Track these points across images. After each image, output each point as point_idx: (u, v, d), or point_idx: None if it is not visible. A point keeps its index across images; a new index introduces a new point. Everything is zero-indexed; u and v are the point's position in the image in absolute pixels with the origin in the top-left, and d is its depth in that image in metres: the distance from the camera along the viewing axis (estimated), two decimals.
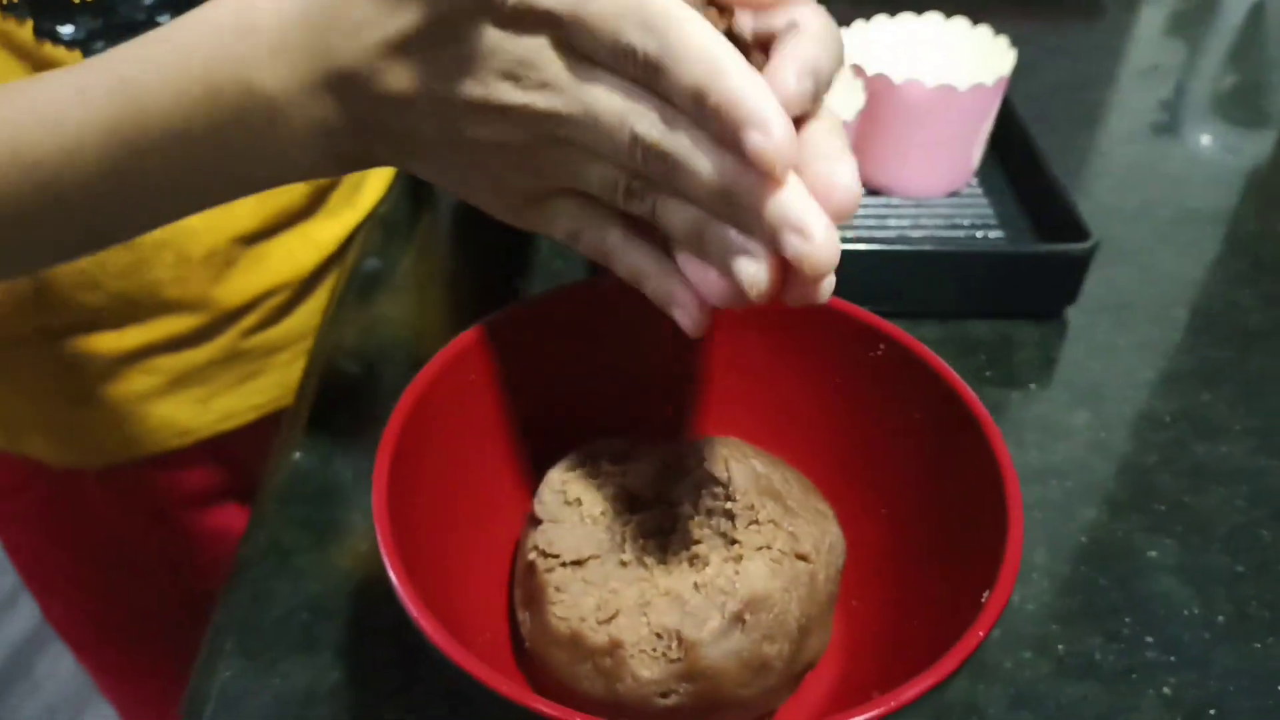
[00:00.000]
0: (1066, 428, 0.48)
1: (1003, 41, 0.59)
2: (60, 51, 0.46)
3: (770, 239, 0.26)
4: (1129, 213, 0.63)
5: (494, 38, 0.26)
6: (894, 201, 0.61)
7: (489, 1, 0.26)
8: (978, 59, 0.60)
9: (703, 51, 0.24)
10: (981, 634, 0.27)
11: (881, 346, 0.38)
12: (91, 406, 0.56)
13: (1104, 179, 0.68)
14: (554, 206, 0.31)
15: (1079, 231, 0.52)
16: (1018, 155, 0.61)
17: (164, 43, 0.30)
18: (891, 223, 0.59)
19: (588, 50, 0.26)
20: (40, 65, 0.45)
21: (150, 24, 0.47)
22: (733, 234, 0.27)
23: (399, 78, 0.27)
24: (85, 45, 0.46)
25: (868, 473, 0.39)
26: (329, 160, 0.31)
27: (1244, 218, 0.63)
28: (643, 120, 0.26)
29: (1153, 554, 0.43)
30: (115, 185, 0.31)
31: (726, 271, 0.27)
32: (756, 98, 0.24)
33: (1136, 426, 0.48)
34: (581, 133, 0.27)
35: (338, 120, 0.29)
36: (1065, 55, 0.83)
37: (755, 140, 0.24)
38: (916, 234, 0.58)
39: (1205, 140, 0.75)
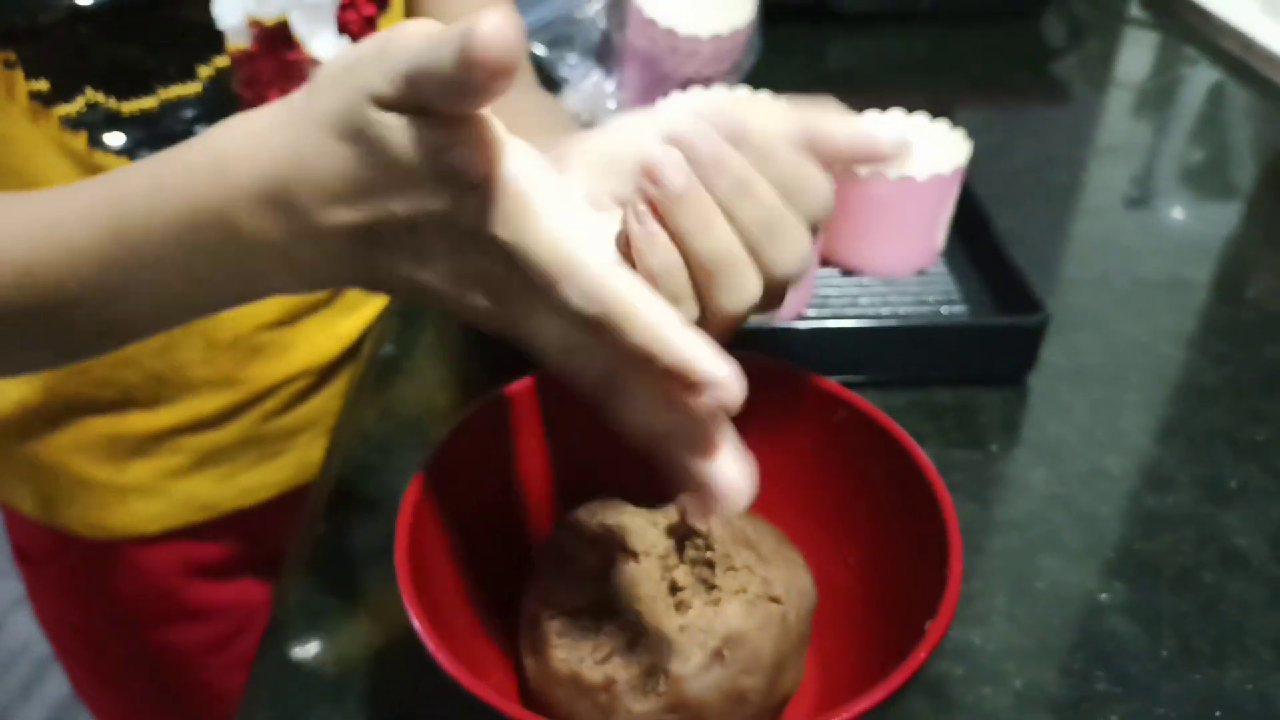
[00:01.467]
0: (1025, 484, 0.52)
1: (959, 134, 0.65)
2: (110, 158, 0.51)
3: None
4: (1089, 284, 0.68)
5: (444, 247, 0.30)
6: (865, 281, 0.66)
7: (444, 216, 0.29)
8: (938, 150, 0.66)
9: (645, 321, 0.28)
10: (923, 655, 0.31)
11: (842, 412, 0.42)
12: (123, 481, 0.61)
13: (1066, 252, 0.73)
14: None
15: (1034, 305, 0.57)
16: (979, 235, 0.66)
17: (153, 176, 0.33)
18: (863, 300, 0.64)
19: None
20: (92, 170, 0.51)
21: (189, 134, 0.53)
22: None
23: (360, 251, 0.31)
24: (131, 153, 0.52)
25: (835, 524, 0.43)
26: (319, 282, 0.34)
27: (1198, 284, 0.68)
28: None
29: (1104, 596, 0.47)
30: (113, 297, 0.35)
31: None
32: (706, 360, 0.28)
33: (1090, 481, 0.53)
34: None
35: (320, 258, 0.32)
36: (1033, 138, 0.90)
37: (715, 397, 0.28)
38: (886, 310, 0.63)
39: (1175, 214, 0.80)
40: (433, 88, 0.27)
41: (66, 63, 0.48)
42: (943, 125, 0.67)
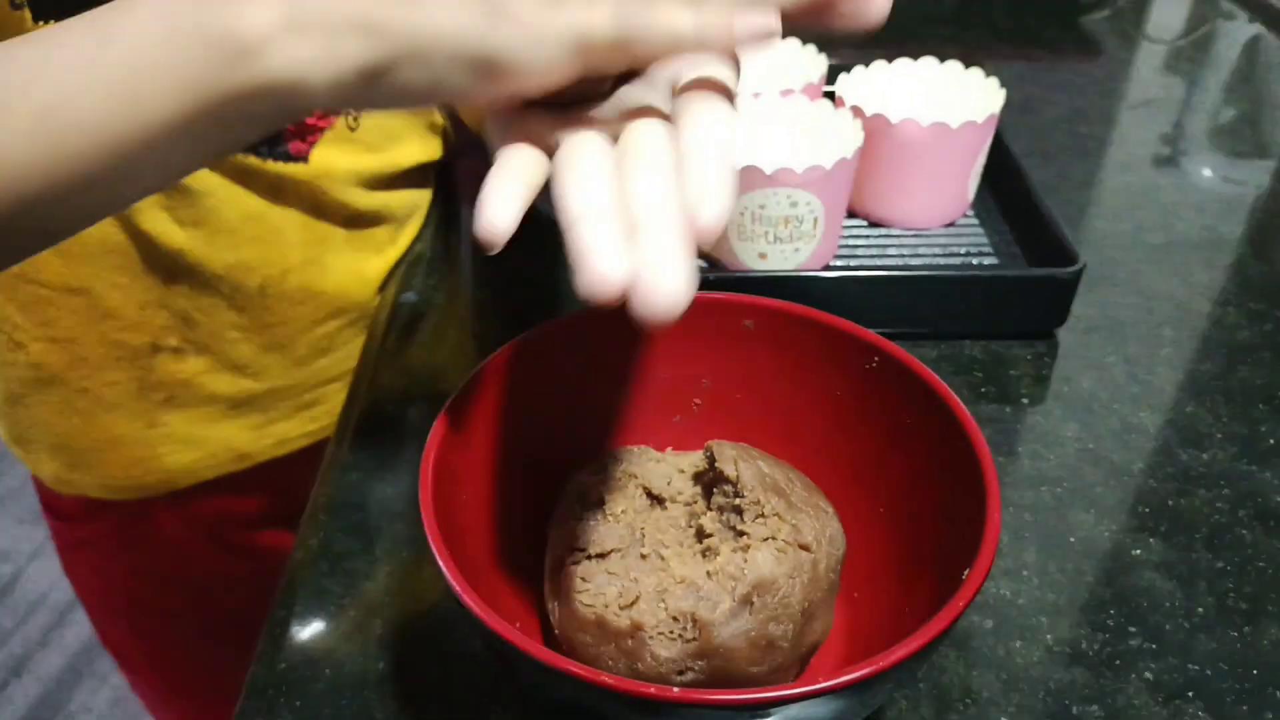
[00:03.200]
0: (1057, 438, 0.51)
1: (993, 82, 0.63)
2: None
3: None
4: (1122, 238, 0.67)
5: None
6: (894, 232, 0.64)
7: None
8: (971, 99, 0.64)
9: None
10: (961, 604, 0.31)
11: (876, 359, 0.41)
12: (159, 429, 0.60)
13: (1098, 207, 0.71)
14: None
15: (1067, 257, 0.56)
16: (1010, 187, 0.65)
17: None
18: (892, 252, 0.63)
19: None
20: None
21: None
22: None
23: None
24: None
25: (867, 475, 0.42)
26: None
27: (1233, 241, 0.67)
28: None
29: (1137, 552, 0.46)
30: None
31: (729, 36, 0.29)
32: None
33: (1124, 437, 0.52)
34: None
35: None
36: (1064, 92, 0.87)
37: None
38: (915, 261, 0.62)
39: (1205, 172, 0.79)
40: None
41: (79, 6, 0.46)
42: (976, 74, 0.65)
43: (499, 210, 0.28)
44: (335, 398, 0.66)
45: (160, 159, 0.30)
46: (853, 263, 0.62)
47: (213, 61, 0.28)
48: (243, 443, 0.63)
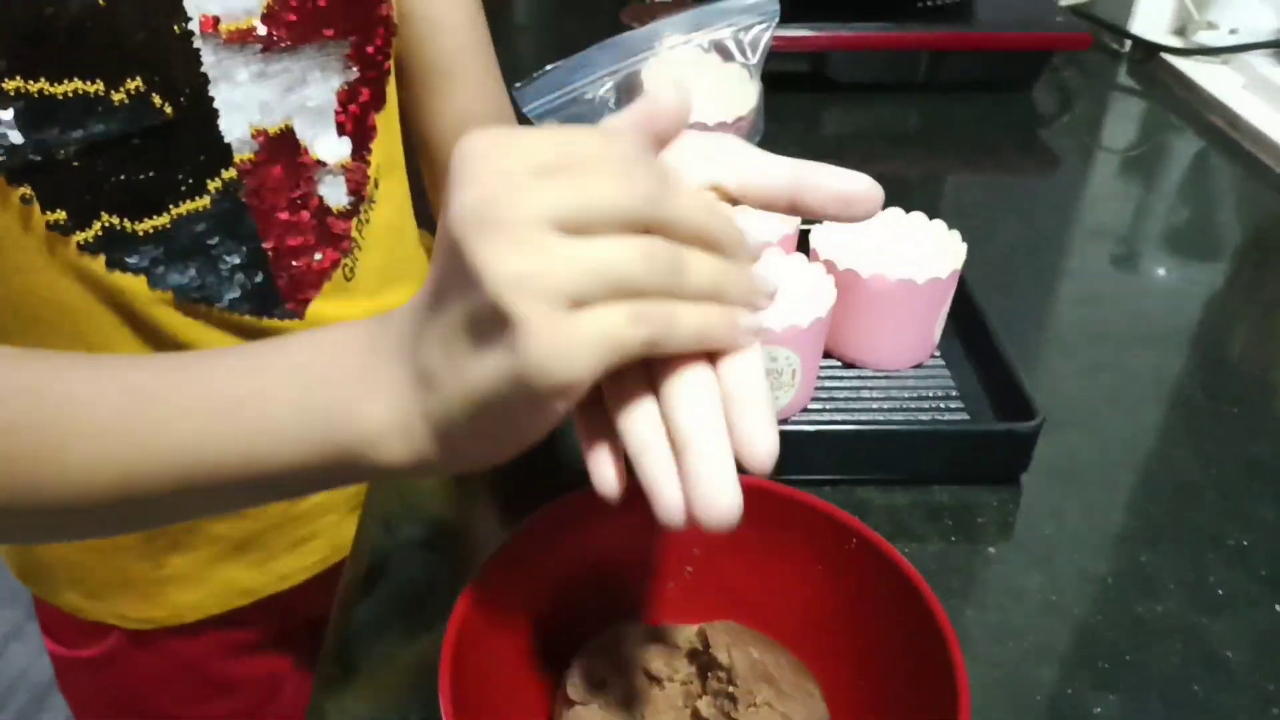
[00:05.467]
0: (1022, 590, 0.55)
1: (955, 236, 0.68)
2: (127, 278, 0.53)
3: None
4: (1078, 375, 0.71)
5: None
6: (866, 374, 0.68)
7: None
8: (935, 250, 0.68)
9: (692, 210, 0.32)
10: None
11: (854, 540, 0.45)
12: (162, 574, 0.63)
13: (1055, 342, 0.76)
14: None
15: (1028, 410, 0.60)
16: (973, 329, 0.69)
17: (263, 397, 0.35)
18: (864, 395, 0.67)
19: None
20: (108, 291, 0.52)
21: (201, 246, 0.54)
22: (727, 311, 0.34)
23: None
24: (148, 271, 0.53)
25: (847, 645, 0.45)
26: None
27: (1182, 376, 0.71)
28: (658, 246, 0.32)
29: (1097, 709, 0.49)
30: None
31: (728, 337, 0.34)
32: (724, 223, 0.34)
33: (1083, 588, 0.55)
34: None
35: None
36: (1021, 217, 0.93)
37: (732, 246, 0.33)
38: (887, 405, 0.66)
39: (1162, 286, 0.84)
40: None
41: (83, 192, 0.49)
42: (939, 226, 0.69)
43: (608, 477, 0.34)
44: (334, 528, 0.68)
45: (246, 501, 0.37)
46: (829, 406, 0.66)
47: (328, 447, 0.33)
48: (246, 580, 0.66)
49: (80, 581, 0.63)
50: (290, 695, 0.75)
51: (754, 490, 0.47)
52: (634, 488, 0.42)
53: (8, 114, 0.45)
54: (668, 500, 0.31)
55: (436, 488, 0.62)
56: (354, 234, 0.61)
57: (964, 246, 0.67)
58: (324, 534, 0.68)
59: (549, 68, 0.87)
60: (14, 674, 1.70)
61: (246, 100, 0.52)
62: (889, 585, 0.43)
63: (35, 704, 1.66)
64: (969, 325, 0.70)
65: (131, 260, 0.52)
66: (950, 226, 0.69)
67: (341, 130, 0.58)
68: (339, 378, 0.34)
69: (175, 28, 0.48)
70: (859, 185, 0.36)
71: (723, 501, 0.31)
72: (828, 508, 0.46)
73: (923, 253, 0.69)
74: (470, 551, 0.59)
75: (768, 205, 0.36)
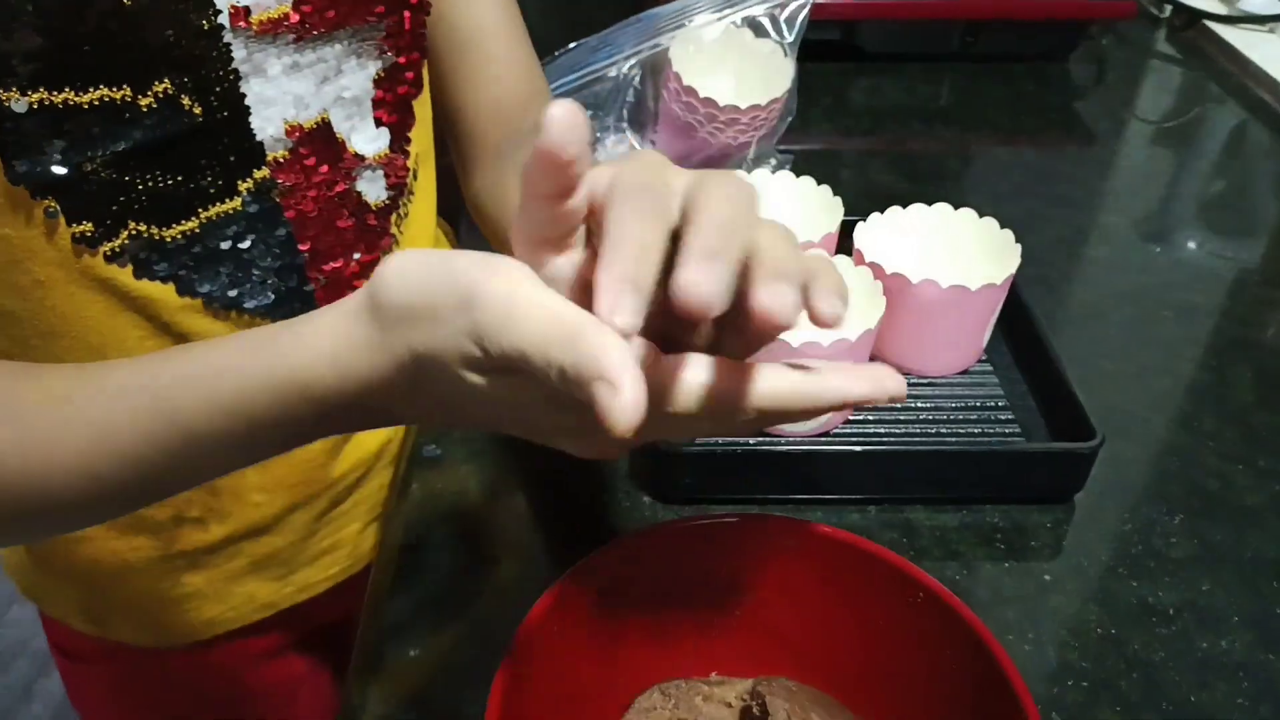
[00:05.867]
0: (1081, 623, 0.53)
1: (1008, 236, 0.64)
2: (155, 286, 0.50)
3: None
4: (1127, 381, 0.68)
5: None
6: (911, 380, 0.65)
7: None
8: (985, 251, 0.65)
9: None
10: None
11: (920, 595, 0.42)
12: (179, 593, 0.60)
13: (1103, 345, 0.72)
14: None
15: (1087, 429, 0.57)
16: (1024, 336, 0.66)
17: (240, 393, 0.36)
18: (911, 404, 0.64)
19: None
20: (136, 302, 0.50)
21: (233, 252, 0.51)
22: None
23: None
24: (176, 279, 0.50)
25: (909, 702, 0.43)
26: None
27: (1238, 384, 0.69)
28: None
29: None
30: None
31: None
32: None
33: (1143, 621, 0.53)
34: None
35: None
36: (1061, 204, 0.89)
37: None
38: (937, 416, 0.63)
39: (1210, 263, 0.81)
40: (540, 376, 0.29)
41: (110, 202, 0.46)
42: (991, 224, 0.66)
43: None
44: (355, 538, 0.66)
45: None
46: (873, 417, 0.63)
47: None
48: (266, 594, 0.64)
49: (88, 605, 0.61)
50: (308, 699, 0.74)
51: (815, 537, 0.44)
52: (682, 532, 0.40)
53: (32, 128, 0.42)
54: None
55: (461, 489, 0.60)
56: (393, 230, 0.57)
57: (1018, 248, 0.63)
58: (345, 545, 0.66)
59: (570, 46, 0.82)
60: (16, 642, 1.69)
61: (280, 95, 0.49)
62: (957, 643, 0.41)
63: (39, 670, 1.65)
64: (1019, 329, 0.67)
65: (160, 268, 0.49)
66: (984, 214, 0.66)
67: (379, 121, 0.54)
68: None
69: (204, 22, 0.44)
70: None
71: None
72: (894, 559, 0.43)
73: (974, 254, 0.65)
74: (498, 550, 0.58)
75: None
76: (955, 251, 0.67)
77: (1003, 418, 0.63)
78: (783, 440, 0.59)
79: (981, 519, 0.58)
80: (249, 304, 0.52)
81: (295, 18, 0.47)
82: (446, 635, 0.52)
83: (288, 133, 0.50)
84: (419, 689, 0.50)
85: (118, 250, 0.48)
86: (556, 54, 0.81)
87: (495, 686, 0.37)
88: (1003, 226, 0.65)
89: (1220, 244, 0.84)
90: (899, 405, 0.64)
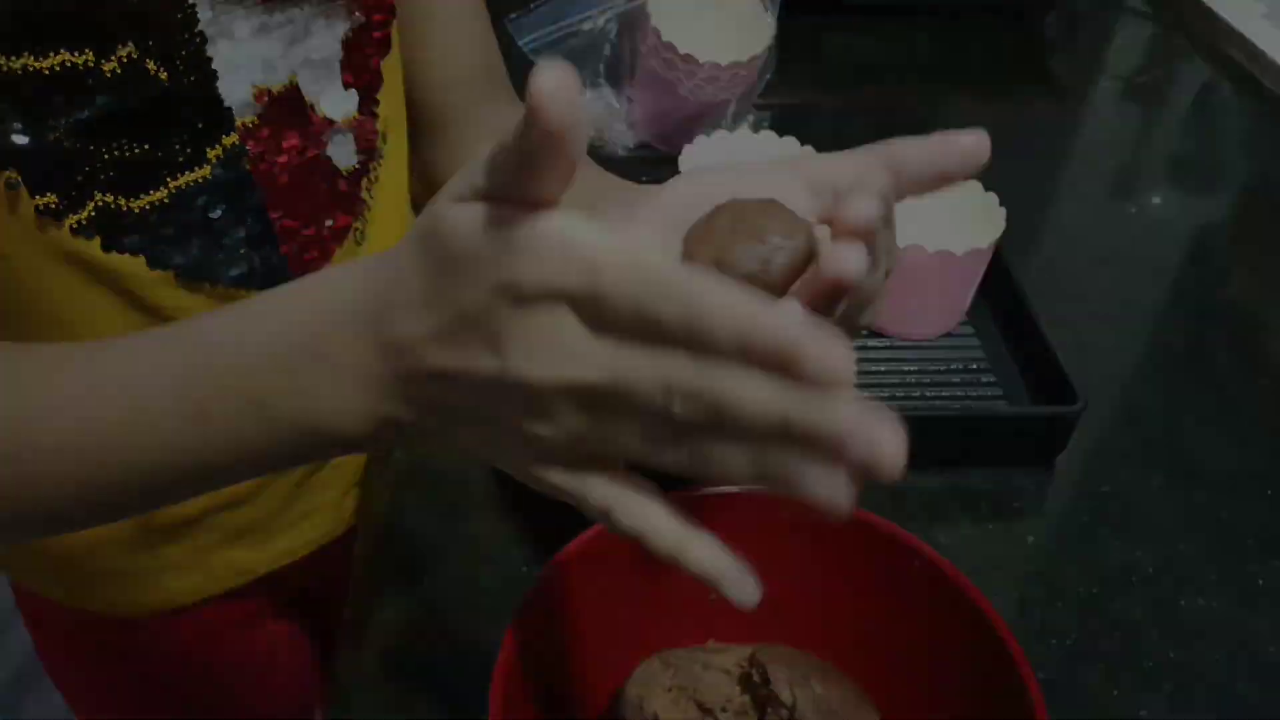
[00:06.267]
0: (1063, 585, 0.54)
1: (992, 199, 0.64)
2: (124, 259, 0.48)
3: (838, 452, 0.26)
4: (1107, 349, 0.69)
5: (516, 318, 0.28)
6: (896, 344, 0.66)
7: (506, 285, 0.27)
8: (969, 214, 0.65)
9: (729, 306, 0.25)
10: None
11: (917, 562, 0.43)
12: (156, 564, 0.59)
13: (1081, 305, 0.73)
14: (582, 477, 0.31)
15: (1068, 390, 0.58)
16: (1005, 298, 0.66)
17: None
18: (896, 367, 0.64)
19: (610, 322, 0.27)
20: (103, 274, 0.48)
21: (203, 222, 0.49)
22: (795, 460, 0.27)
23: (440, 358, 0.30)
24: (147, 252, 0.48)
25: (906, 665, 0.44)
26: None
27: (1215, 350, 0.70)
28: (681, 371, 0.26)
29: (1143, 713, 0.48)
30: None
31: (796, 494, 0.27)
32: (797, 328, 0.25)
33: (1123, 581, 0.54)
34: (611, 397, 0.28)
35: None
36: (1039, 168, 0.89)
37: (813, 364, 0.25)
38: (921, 379, 0.63)
39: (1186, 223, 0.81)
40: (509, 165, 0.27)
41: (75, 172, 0.44)
42: (974, 187, 0.65)
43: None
44: (334, 505, 0.65)
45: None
46: (858, 380, 0.63)
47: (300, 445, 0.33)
48: (245, 560, 0.63)
49: (65, 575, 0.59)
50: (286, 665, 0.73)
51: (808, 505, 0.44)
52: (678, 503, 0.40)
53: None
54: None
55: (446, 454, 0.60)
56: (364, 194, 0.56)
57: (1003, 211, 0.63)
58: (324, 510, 0.65)
59: None
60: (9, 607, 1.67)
61: (248, 58, 0.47)
62: (949, 606, 0.42)
63: (0, 629, 1.63)
64: (999, 291, 0.67)
65: (129, 240, 0.48)
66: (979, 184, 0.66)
67: (347, 83, 0.53)
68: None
69: None
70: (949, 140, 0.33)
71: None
72: (894, 529, 0.43)
73: (958, 217, 0.65)
74: (485, 513, 0.57)
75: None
76: (940, 216, 0.66)
77: (986, 380, 0.63)
78: None
79: (965, 481, 0.59)
80: (223, 276, 0.51)
81: None
82: (435, 602, 0.52)
83: (256, 97, 0.48)
84: (407, 656, 0.49)
85: (84, 222, 0.46)
86: (532, 6, 0.79)
87: (498, 670, 0.37)
88: (986, 190, 0.65)
89: (1190, 201, 0.85)
90: (883, 369, 0.64)
